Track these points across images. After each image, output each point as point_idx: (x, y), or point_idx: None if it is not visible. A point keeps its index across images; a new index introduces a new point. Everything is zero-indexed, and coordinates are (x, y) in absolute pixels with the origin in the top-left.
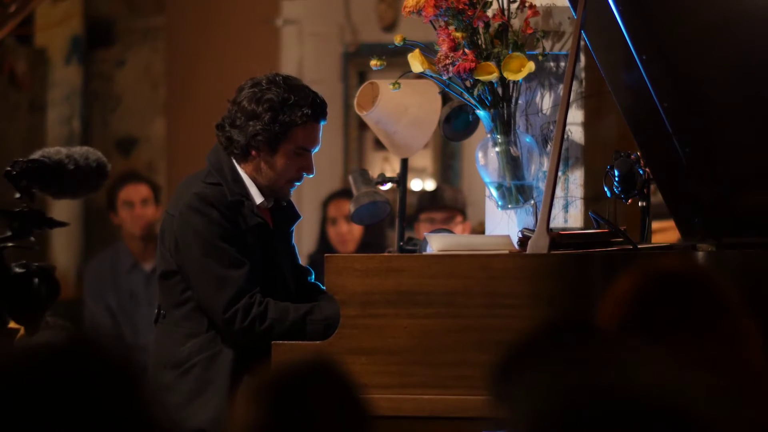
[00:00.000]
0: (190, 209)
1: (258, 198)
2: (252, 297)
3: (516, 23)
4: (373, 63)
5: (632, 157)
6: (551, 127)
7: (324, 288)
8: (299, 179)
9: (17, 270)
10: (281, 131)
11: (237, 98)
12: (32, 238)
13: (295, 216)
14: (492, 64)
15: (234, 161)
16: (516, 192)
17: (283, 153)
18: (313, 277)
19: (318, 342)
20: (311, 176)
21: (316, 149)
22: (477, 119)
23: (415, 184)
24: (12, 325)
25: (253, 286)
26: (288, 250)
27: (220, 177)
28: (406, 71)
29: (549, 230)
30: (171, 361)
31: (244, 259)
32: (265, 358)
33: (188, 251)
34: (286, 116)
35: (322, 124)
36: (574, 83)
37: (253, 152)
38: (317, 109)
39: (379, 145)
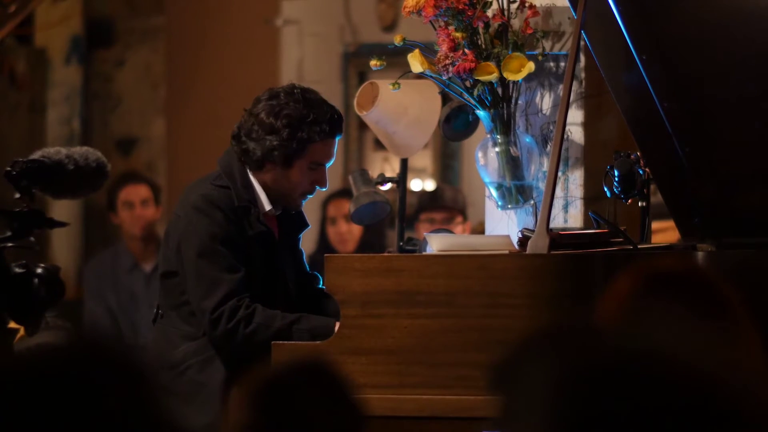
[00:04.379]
0: (195, 209)
1: (266, 205)
2: (240, 300)
3: (516, 23)
4: (373, 63)
5: (632, 157)
6: (551, 127)
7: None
8: (312, 192)
9: (17, 270)
10: (299, 148)
11: (254, 110)
12: (32, 238)
13: (303, 224)
14: (492, 64)
15: (246, 168)
16: (516, 192)
17: (298, 168)
18: (321, 282)
19: (318, 342)
20: (324, 189)
21: (331, 163)
22: (477, 119)
23: (415, 184)
24: (12, 325)
25: (245, 291)
26: (294, 258)
27: (230, 181)
28: (406, 71)
29: (549, 230)
30: (166, 362)
31: (240, 265)
32: (260, 360)
33: (187, 250)
34: (304, 133)
35: (337, 138)
36: (574, 83)
37: (268, 165)
38: (335, 125)
39: (379, 145)
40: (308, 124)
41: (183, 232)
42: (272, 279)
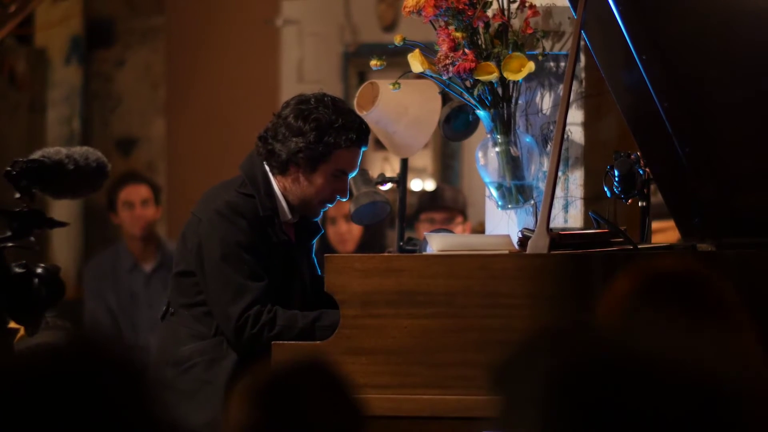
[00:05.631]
0: (219, 215)
1: (287, 214)
2: (263, 306)
3: (516, 23)
4: (373, 63)
5: (632, 157)
6: (551, 127)
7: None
8: (332, 201)
9: (17, 270)
10: (324, 152)
11: (282, 113)
12: (32, 238)
13: (317, 230)
14: (492, 64)
15: (269, 173)
16: (516, 192)
17: (322, 173)
18: None
19: (318, 342)
20: (345, 200)
21: (354, 174)
22: (477, 119)
23: (415, 184)
24: (12, 325)
25: (268, 300)
26: (309, 263)
27: (254, 189)
28: (406, 71)
29: (549, 230)
30: (172, 358)
31: (263, 274)
32: (263, 360)
33: (211, 256)
34: (331, 138)
35: (363, 149)
36: (574, 83)
37: (292, 168)
38: (362, 134)
39: (379, 145)
40: (336, 130)
41: (205, 235)
42: (290, 285)
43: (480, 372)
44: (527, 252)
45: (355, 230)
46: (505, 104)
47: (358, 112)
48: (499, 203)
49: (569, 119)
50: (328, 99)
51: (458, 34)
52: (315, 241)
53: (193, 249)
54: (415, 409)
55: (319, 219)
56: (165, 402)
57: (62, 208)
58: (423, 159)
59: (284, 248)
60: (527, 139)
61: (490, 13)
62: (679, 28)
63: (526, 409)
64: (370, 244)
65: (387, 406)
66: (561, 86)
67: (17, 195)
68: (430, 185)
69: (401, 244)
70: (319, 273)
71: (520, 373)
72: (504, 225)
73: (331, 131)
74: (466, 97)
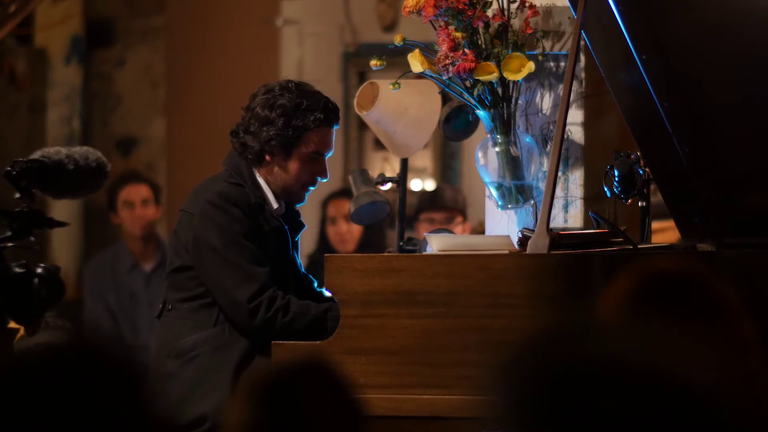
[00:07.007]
0: (213, 206)
1: (274, 203)
2: (275, 291)
3: (516, 23)
4: (373, 63)
5: (632, 157)
6: (551, 127)
7: (329, 294)
8: (313, 184)
9: (17, 270)
10: (294, 136)
11: (250, 105)
12: (32, 238)
13: (300, 225)
14: (492, 64)
15: (251, 167)
16: (516, 192)
17: (297, 158)
18: (317, 284)
19: (318, 342)
20: (325, 180)
21: (330, 153)
22: (477, 119)
23: (415, 184)
24: (12, 325)
25: (274, 284)
26: (296, 256)
27: (241, 179)
28: (406, 71)
29: (549, 230)
30: (175, 350)
31: (265, 259)
32: (269, 354)
33: (211, 246)
34: (298, 121)
35: (335, 128)
36: (574, 83)
37: (268, 157)
38: (329, 113)
39: (379, 145)
40: (302, 112)
41: (201, 228)
42: (285, 273)
43: (480, 372)
44: (527, 252)
45: (355, 230)
46: (505, 104)
47: (358, 112)
48: (499, 203)
49: (569, 119)
50: (293, 84)
51: (458, 34)
52: (299, 237)
53: (188, 244)
54: (415, 409)
55: (303, 203)
56: (164, 401)
57: (62, 208)
58: (423, 159)
59: (278, 235)
60: (527, 139)
61: (490, 13)
62: (679, 28)
63: (524, 410)
64: (370, 244)
65: (387, 406)
66: (561, 86)
67: (17, 195)
68: (430, 185)
69: (401, 244)
70: (303, 271)
71: (518, 374)
72: (504, 225)
73: (298, 114)
74: (466, 97)
